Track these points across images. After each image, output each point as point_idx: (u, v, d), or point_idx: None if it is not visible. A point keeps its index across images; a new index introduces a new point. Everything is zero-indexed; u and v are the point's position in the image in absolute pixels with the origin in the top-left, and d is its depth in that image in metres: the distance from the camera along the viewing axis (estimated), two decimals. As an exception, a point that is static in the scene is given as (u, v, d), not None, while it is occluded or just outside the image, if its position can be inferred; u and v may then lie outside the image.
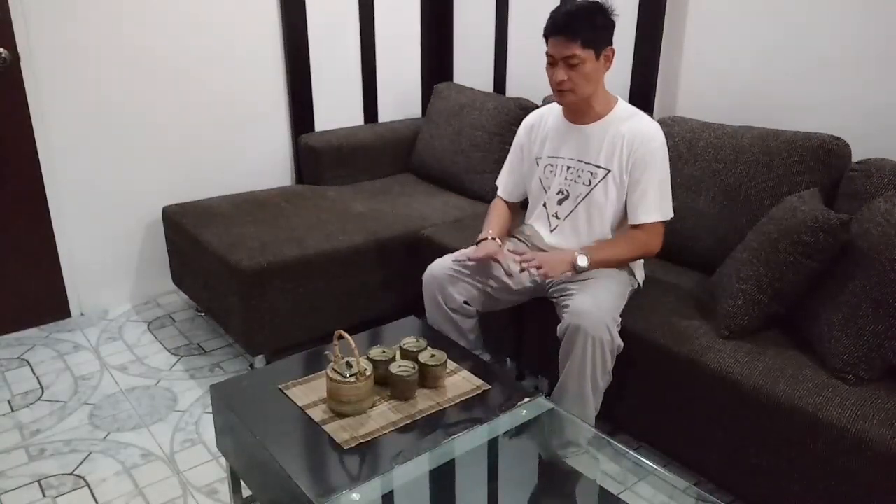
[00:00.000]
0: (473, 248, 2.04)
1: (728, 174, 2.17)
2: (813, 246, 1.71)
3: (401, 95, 3.55)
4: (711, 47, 2.47)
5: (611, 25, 1.89)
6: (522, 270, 1.89)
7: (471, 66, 3.45)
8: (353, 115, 3.41)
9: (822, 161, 2.02)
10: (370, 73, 3.38)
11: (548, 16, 1.90)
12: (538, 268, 1.86)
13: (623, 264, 2.00)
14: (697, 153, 2.26)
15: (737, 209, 2.13)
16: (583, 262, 1.90)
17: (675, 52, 2.58)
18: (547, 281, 1.97)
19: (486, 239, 2.06)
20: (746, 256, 1.88)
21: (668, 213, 1.98)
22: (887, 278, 1.58)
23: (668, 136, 2.33)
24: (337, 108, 3.32)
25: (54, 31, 2.52)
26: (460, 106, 3.11)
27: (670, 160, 2.28)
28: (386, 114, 3.51)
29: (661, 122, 2.42)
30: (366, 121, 3.45)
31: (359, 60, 3.33)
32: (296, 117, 3.19)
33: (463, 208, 2.87)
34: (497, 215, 2.19)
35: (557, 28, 1.85)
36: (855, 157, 2.03)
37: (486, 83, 3.36)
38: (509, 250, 2.02)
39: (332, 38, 3.20)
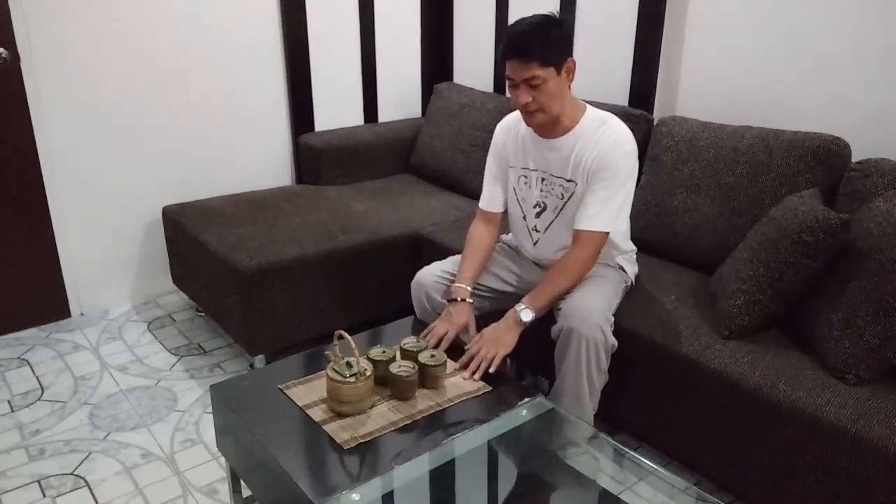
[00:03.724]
0: (440, 321, 1.90)
1: (728, 174, 2.17)
2: (813, 246, 1.71)
3: (401, 95, 3.55)
4: (711, 47, 2.47)
5: (568, 38, 1.82)
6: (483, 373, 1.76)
7: (471, 66, 3.45)
8: (353, 115, 3.41)
9: (822, 161, 2.02)
10: (370, 73, 3.38)
11: (504, 37, 1.83)
12: (493, 359, 1.75)
13: (567, 290, 1.89)
14: (697, 153, 2.26)
15: (737, 209, 2.13)
16: (527, 316, 1.83)
17: (675, 52, 2.58)
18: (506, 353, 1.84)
19: (458, 299, 1.92)
20: (746, 256, 1.88)
21: (608, 227, 1.87)
22: (887, 278, 1.58)
23: (668, 136, 2.34)
24: (337, 108, 3.32)
25: (54, 31, 2.52)
26: (460, 106, 3.11)
27: (670, 160, 2.30)
28: (386, 114, 3.51)
29: (661, 122, 2.43)
30: (366, 121, 3.45)
31: (359, 60, 3.34)
32: (296, 117, 3.19)
33: (463, 208, 2.87)
34: (473, 251, 2.04)
35: (513, 51, 1.78)
36: (855, 157, 2.03)
37: (486, 83, 3.36)
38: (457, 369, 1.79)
39: (332, 37, 3.20)
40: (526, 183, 2.03)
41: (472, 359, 1.75)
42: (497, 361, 1.76)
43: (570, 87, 1.87)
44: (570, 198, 1.95)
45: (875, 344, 1.58)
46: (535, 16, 1.81)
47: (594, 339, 1.76)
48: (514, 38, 1.79)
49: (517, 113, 2.07)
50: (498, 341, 1.80)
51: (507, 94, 3.23)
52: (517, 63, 1.78)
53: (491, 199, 2.11)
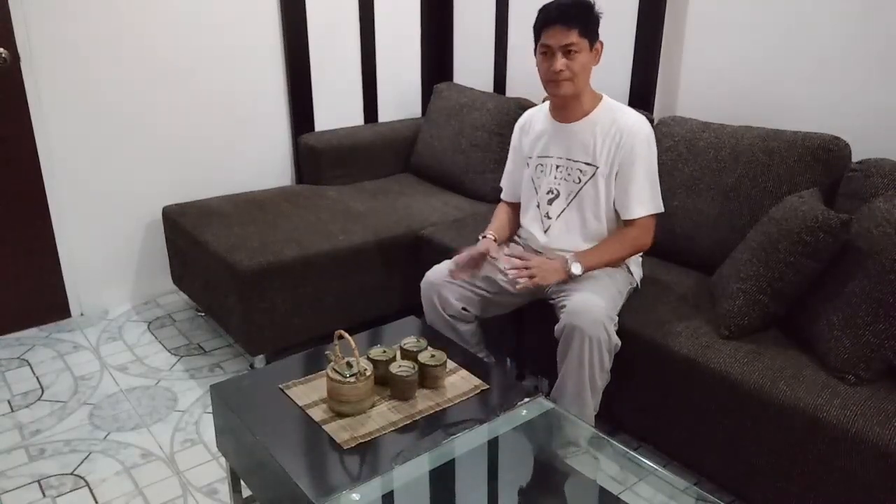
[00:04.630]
0: (467, 250, 2.04)
1: (728, 174, 2.17)
2: (813, 246, 1.71)
3: (401, 95, 3.55)
4: (711, 47, 2.47)
5: (599, 21, 1.92)
6: (515, 282, 1.89)
7: (471, 66, 3.45)
8: (353, 115, 3.41)
9: (822, 161, 2.02)
10: (370, 73, 3.38)
11: (538, 12, 1.92)
12: (531, 277, 1.86)
13: (618, 263, 2.01)
14: (697, 153, 2.26)
15: (737, 209, 2.13)
16: (577, 269, 1.91)
17: (675, 52, 2.58)
18: (541, 287, 1.96)
19: (483, 237, 2.09)
20: (746, 256, 1.88)
21: (659, 207, 1.99)
22: (887, 278, 1.58)
23: (668, 136, 2.35)
24: (337, 108, 3.32)
25: (54, 31, 2.52)
26: (460, 106, 3.11)
27: (670, 160, 2.30)
28: (386, 114, 3.51)
29: (661, 122, 2.43)
30: (366, 121, 3.45)
31: (359, 60, 3.33)
32: (296, 117, 3.19)
33: (463, 208, 2.87)
34: (499, 219, 2.22)
35: (555, 17, 1.87)
36: (855, 157, 2.03)
37: (486, 83, 3.36)
38: (507, 254, 2.00)
39: (332, 37, 3.20)
40: (542, 171, 2.09)
41: (520, 262, 1.91)
42: (529, 283, 1.87)
43: (592, 70, 1.96)
44: (587, 182, 1.99)
45: (875, 344, 1.58)
46: None
47: (597, 338, 1.76)
48: (558, 6, 1.89)
49: (531, 110, 2.21)
50: (544, 270, 1.90)
51: (507, 94, 3.24)
52: (560, 28, 1.86)
53: (507, 190, 2.28)
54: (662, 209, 2.00)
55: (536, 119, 2.14)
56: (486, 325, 2.14)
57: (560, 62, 1.88)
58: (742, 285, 1.83)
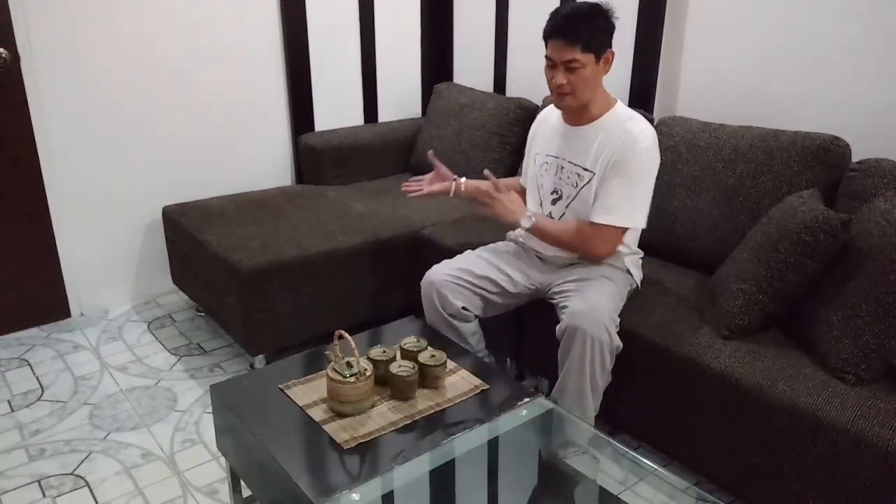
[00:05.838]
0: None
1: (728, 174, 2.17)
2: (813, 246, 1.71)
3: (401, 95, 3.55)
4: (711, 47, 2.47)
5: (611, 28, 1.85)
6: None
7: (471, 66, 3.45)
8: (353, 115, 3.41)
9: (822, 161, 2.02)
10: (370, 73, 3.38)
11: (548, 16, 1.89)
12: (489, 204, 2.00)
13: (561, 247, 2.02)
14: (697, 153, 2.26)
15: (737, 209, 2.13)
16: (525, 223, 1.97)
17: (675, 52, 2.58)
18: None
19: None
20: (746, 256, 1.88)
21: (629, 223, 1.91)
22: (887, 278, 1.58)
23: (668, 136, 2.34)
24: (337, 108, 3.32)
25: (54, 31, 2.52)
26: (460, 106, 3.11)
27: (670, 160, 2.30)
28: (386, 114, 3.51)
29: (661, 122, 2.43)
30: (366, 121, 3.46)
31: (359, 60, 3.34)
32: (296, 117, 3.19)
33: (463, 208, 2.86)
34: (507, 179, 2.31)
35: (557, 31, 1.82)
36: (855, 157, 2.03)
37: (486, 83, 3.36)
38: (485, 175, 2.07)
39: (332, 37, 3.20)
40: (546, 170, 2.08)
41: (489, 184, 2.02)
42: (483, 203, 2.02)
43: (603, 77, 1.92)
44: (583, 186, 1.98)
45: (875, 344, 1.58)
46: (583, 2, 1.86)
47: (599, 340, 1.76)
48: (562, 19, 1.84)
49: (549, 107, 2.16)
50: (501, 204, 2.00)
51: (507, 94, 3.24)
52: (561, 44, 1.82)
53: (523, 175, 2.29)
54: (638, 226, 1.94)
55: (551, 117, 2.12)
56: (486, 325, 2.14)
57: (561, 77, 1.84)
58: (742, 285, 1.83)
